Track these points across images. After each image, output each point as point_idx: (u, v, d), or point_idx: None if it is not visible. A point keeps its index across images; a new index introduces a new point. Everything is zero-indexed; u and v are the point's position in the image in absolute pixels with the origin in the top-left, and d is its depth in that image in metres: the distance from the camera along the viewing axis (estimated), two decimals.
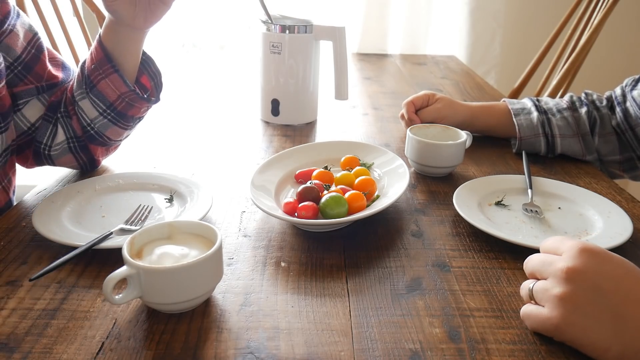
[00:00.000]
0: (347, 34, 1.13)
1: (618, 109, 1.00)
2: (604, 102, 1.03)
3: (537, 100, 1.06)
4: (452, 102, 1.08)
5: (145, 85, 0.89)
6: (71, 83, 0.87)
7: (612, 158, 1.01)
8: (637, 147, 0.99)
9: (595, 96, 1.05)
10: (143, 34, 0.83)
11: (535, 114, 1.02)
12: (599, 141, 1.00)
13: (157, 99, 0.89)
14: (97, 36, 0.83)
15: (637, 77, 1.02)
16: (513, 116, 1.03)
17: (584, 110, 1.01)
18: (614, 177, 1.04)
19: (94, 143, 0.87)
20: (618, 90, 1.03)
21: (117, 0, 0.77)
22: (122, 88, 0.82)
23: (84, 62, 0.84)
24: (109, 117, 0.84)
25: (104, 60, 0.81)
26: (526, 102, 1.06)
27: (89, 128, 0.85)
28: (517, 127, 1.01)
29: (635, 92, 0.98)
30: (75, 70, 0.93)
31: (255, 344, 0.53)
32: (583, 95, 1.05)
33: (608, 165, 1.03)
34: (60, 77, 0.88)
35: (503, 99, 1.09)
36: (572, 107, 1.02)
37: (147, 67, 0.88)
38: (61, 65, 0.90)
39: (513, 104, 1.06)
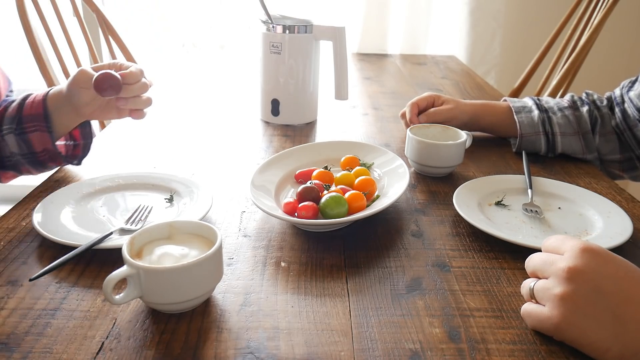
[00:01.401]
0: (347, 34, 1.13)
1: (617, 110, 1.01)
2: (605, 102, 1.03)
3: (538, 99, 1.06)
4: (459, 102, 1.08)
5: (75, 137, 0.91)
6: (3, 105, 0.88)
7: (612, 157, 1.01)
8: (635, 147, 1.00)
9: (595, 96, 1.05)
10: (85, 117, 0.87)
11: (536, 112, 1.02)
12: (600, 140, 1.00)
13: (79, 163, 0.91)
14: (48, 90, 0.86)
15: (633, 78, 1.02)
16: (514, 114, 1.03)
17: (585, 109, 1.02)
18: (614, 177, 1.04)
19: (3, 170, 0.89)
20: (617, 92, 1.03)
21: (84, 88, 0.81)
22: (50, 147, 0.84)
23: (24, 100, 0.86)
24: (28, 159, 0.86)
25: (42, 117, 0.84)
26: (527, 101, 1.06)
27: (5, 159, 0.87)
28: (517, 125, 1.01)
29: (632, 93, 0.98)
30: (9, 78, 0.94)
31: (255, 344, 0.53)
32: (584, 95, 1.06)
33: (608, 164, 1.02)
34: None
35: (504, 98, 1.09)
36: (574, 106, 1.03)
37: (84, 127, 0.90)
38: None
39: (514, 102, 1.06)
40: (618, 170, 1.03)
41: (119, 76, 0.80)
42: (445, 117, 1.05)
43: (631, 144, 1.00)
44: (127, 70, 0.83)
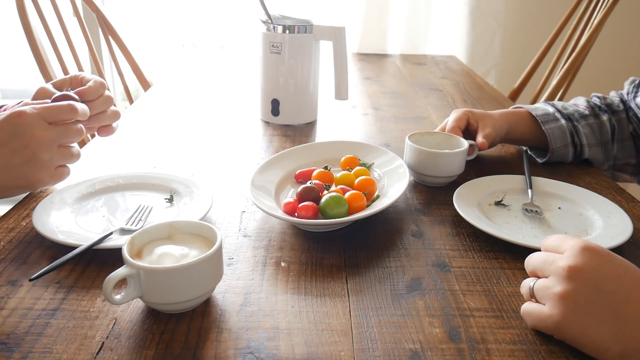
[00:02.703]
0: (347, 34, 1.13)
1: (631, 114, 0.98)
2: (621, 107, 0.99)
3: (554, 104, 1.00)
4: (494, 122, 0.96)
5: None
6: None
7: (627, 161, 0.99)
8: None
9: (609, 100, 1.00)
10: None
11: (562, 122, 0.96)
12: (617, 147, 0.98)
13: None
14: (17, 103, 0.80)
15: (637, 82, 0.99)
16: (541, 124, 0.95)
17: (605, 117, 0.97)
18: (617, 180, 1.01)
19: None
20: (626, 95, 1.01)
21: None
22: None
23: None
24: None
25: None
26: (547, 108, 0.99)
27: None
28: (549, 138, 0.94)
29: (638, 99, 0.96)
30: None
31: (255, 344, 0.53)
32: (596, 99, 1.01)
33: (620, 169, 1.00)
34: None
35: (516, 105, 1.03)
36: (593, 112, 0.98)
37: None
38: None
39: (535, 110, 0.98)
40: (629, 175, 1.01)
41: (76, 96, 0.77)
42: (492, 142, 0.96)
43: None
44: (86, 86, 0.79)
